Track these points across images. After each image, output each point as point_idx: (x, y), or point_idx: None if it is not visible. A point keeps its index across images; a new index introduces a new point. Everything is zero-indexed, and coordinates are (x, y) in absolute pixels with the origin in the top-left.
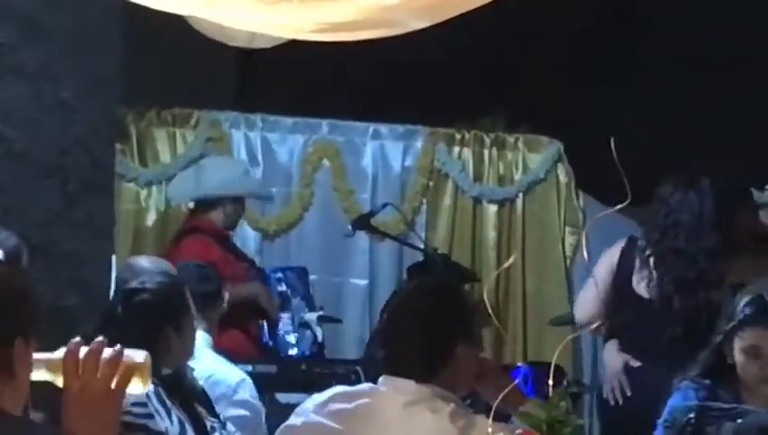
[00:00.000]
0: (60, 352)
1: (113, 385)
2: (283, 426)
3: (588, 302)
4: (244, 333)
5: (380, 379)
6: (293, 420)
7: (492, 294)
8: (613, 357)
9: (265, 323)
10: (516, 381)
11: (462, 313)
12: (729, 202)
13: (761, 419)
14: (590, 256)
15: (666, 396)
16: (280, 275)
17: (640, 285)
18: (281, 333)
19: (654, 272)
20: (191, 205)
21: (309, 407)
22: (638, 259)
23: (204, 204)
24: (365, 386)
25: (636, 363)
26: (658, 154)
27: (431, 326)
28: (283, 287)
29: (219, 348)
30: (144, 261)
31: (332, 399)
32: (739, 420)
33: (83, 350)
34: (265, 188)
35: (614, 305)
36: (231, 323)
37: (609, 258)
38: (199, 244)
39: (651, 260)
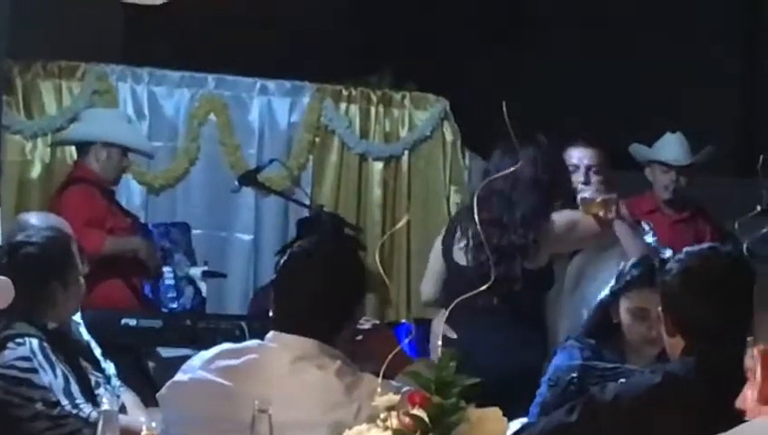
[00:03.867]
0: None
1: None
2: (169, 382)
3: (426, 281)
4: (126, 285)
5: (269, 334)
6: (180, 376)
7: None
8: (436, 326)
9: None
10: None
11: (355, 273)
12: (553, 163)
13: (644, 379)
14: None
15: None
16: (162, 229)
17: (459, 254)
18: (162, 287)
19: (470, 241)
20: (75, 157)
21: (196, 363)
22: (459, 229)
23: (84, 153)
24: (253, 342)
25: (452, 335)
26: (545, 114)
27: (326, 283)
28: (165, 242)
29: (100, 300)
30: (33, 217)
31: (219, 355)
32: (622, 380)
33: None
34: (148, 143)
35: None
36: (112, 274)
37: (438, 240)
38: (83, 193)
39: (467, 230)
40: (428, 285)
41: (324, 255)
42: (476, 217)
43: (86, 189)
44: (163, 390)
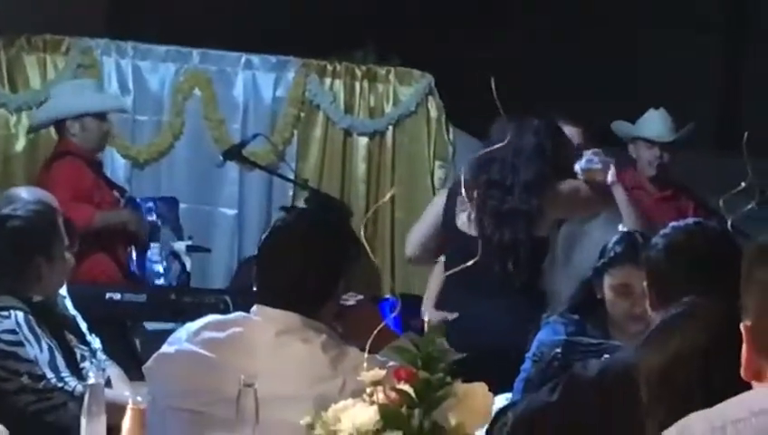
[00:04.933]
0: None
1: None
2: (156, 354)
3: (413, 239)
4: (111, 260)
5: (253, 308)
6: (166, 348)
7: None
8: (431, 315)
9: (134, 251)
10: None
11: (341, 247)
12: (554, 134)
13: (627, 355)
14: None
15: (493, 329)
16: (150, 204)
17: (460, 220)
18: (149, 262)
19: (472, 207)
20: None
21: (182, 335)
22: (461, 195)
23: (61, 129)
24: (238, 315)
25: (452, 316)
26: (529, 89)
27: (308, 257)
28: (153, 217)
29: (85, 275)
30: (20, 191)
31: (205, 327)
32: (606, 356)
33: None
34: (115, 100)
35: (443, 243)
36: (98, 249)
37: (440, 197)
38: (71, 166)
39: (469, 194)
40: (416, 241)
41: (305, 229)
42: (463, 183)
43: (73, 162)
44: (149, 362)
